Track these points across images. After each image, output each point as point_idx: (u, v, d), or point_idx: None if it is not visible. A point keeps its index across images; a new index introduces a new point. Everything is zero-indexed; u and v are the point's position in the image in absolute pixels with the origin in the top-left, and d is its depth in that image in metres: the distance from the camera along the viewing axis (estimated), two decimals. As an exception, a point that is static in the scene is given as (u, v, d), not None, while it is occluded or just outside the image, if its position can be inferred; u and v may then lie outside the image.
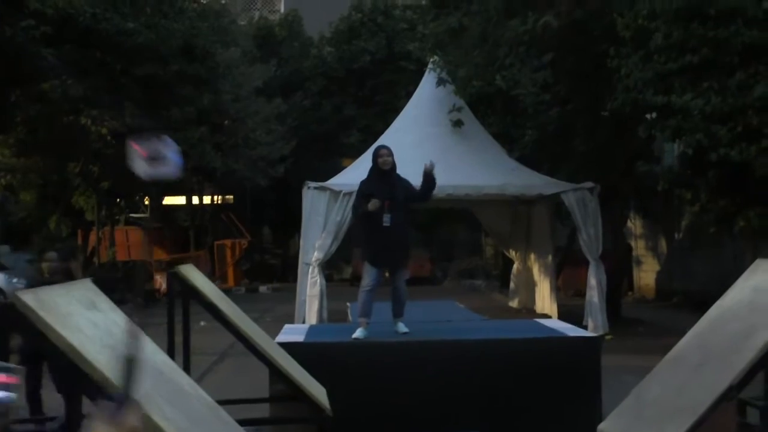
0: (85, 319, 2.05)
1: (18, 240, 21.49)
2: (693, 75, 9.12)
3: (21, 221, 22.13)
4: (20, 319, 1.76)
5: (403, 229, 6.16)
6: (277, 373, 4.25)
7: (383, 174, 6.22)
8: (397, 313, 6.24)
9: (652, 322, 13.24)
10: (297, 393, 4.15)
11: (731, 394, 3.19)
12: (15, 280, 13.16)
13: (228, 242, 23.94)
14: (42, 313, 1.82)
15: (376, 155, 6.34)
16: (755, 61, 8.85)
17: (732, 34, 8.73)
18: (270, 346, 4.51)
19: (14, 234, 21.89)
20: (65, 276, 6.12)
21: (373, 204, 6.04)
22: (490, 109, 13.46)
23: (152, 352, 2.33)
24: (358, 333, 6.00)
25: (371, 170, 6.39)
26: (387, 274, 6.51)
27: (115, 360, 2.00)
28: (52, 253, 6.26)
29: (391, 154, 6.28)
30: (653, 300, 17.52)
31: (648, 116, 10.28)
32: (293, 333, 6.28)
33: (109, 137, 17.94)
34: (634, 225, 18.64)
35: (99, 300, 2.29)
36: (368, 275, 6.21)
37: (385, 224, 6.06)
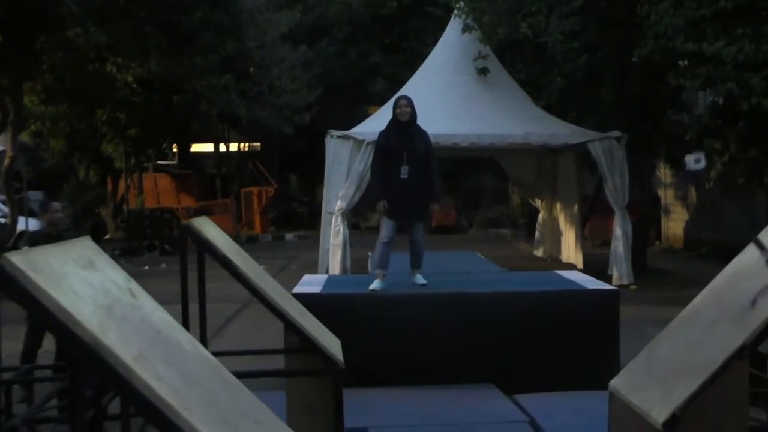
0: (79, 280, 2.04)
1: (50, 187, 21.85)
2: (726, 21, 8.81)
3: (51, 168, 22.45)
4: (10, 281, 1.76)
5: (422, 181, 6.08)
6: (290, 326, 4.26)
7: (401, 125, 6.13)
8: (415, 265, 6.23)
9: (679, 273, 13.13)
10: (310, 345, 4.16)
11: (743, 352, 3.13)
12: (41, 227, 13.41)
13: (255, 190, 24.09)
14: (32, 275, 1.81)
15: (395, 106, 6.25)
16: (794, 6, 8.51)
17: (770, -24, 8.39)
18: (284, 298, 4.52)
19: (45, 181, 22.24)
20: (74, 226, 6.16)
21: (379, 207, 6.16)
22: (517, 56, 13.20)
23: (151, 309, 2.33)
24: (375, 285, 6.01)
25: (390, 121, 6.30)
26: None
27: (109, 320, 2.00)
28: (56, 204, 6.24)
29: (410, 105, 6.16)
30: (681, 250, 17.34)
31: (679, 64, 9.99)
32: (311, 284, 6.30)
33: (134, 85, 18.02)
34: (663, 174, 18.33)
35: (97, 258, 2.29)
36: (385, 227, 6.20)
37: (402, 176, 6.01)
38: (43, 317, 1.75)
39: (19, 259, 1.81)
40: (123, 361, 1.81)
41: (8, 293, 1.75)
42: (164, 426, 1.79)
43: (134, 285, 2.35)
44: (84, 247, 2.23)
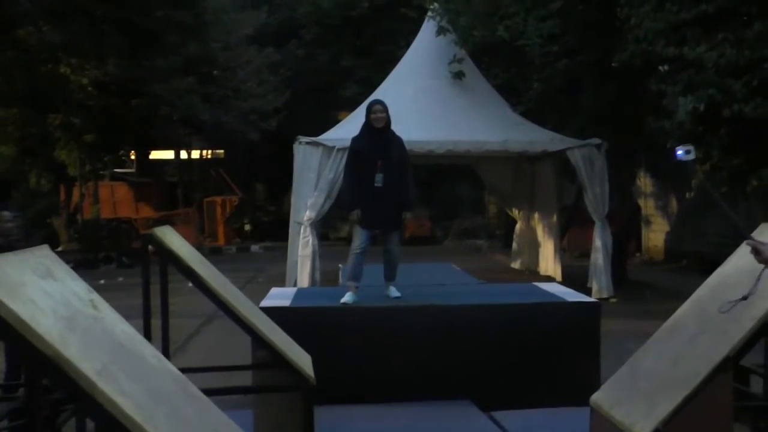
0: (38, 290, 2.03)
1: (-2, 195, 21.45)
2: (708, 25, 8.98)
3: (0, 176, 22.08)
4: (-36, 291, 1.75)
5: (396, 189, 6.08)
6: (258, 340, 4.26)
7: (376, 131, 6.15)
8: (389, 277, 6.25)
9: (660, 286, 13.30)
10: (279, 360, 4.16)
11: (727, 365, 3.20)
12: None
13: (218, 199, 23.96)
14: (-11, 285, 1.80)
15: (369, 111, 6.25)
16: (776, 11, 8.71)
17: (751, -20, 8.59)
18: (252, 311, 4.51)
19: (-6, 189, 21.84)
20: (26, 237, 6.03)
21: (352, 216, 6.22)
22: (494, 60, 13.31)
23: (114, 322, 2.32)
24: (347, 298, 6.01)
25: (363, 126, 6.32)
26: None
27: (70, 333, 1.99)
28: (7, 213, 6.08)
29: (385, 110, 6.17)
30: (662, 262, 17.58)
31: (660, 69, 10.17)
32: (279, 297, 6.28)
33: (90, 88, 17.84)
34: (644, 183, 18.60)
35: (56, 268, 2.27)
36: (359, 237, 6.19)
37: (376, 184, 6.02)
38: (1, 329, 1.74)
39: (-26, 267, 1.80)
40: (86, 375, 1.80)
41: (-37, 304, 1.75)
42: (129, 443, 1.78)
43: (95, 296, 2.33)
44: (42, 256, 2.21)
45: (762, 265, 3.24)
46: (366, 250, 6.17)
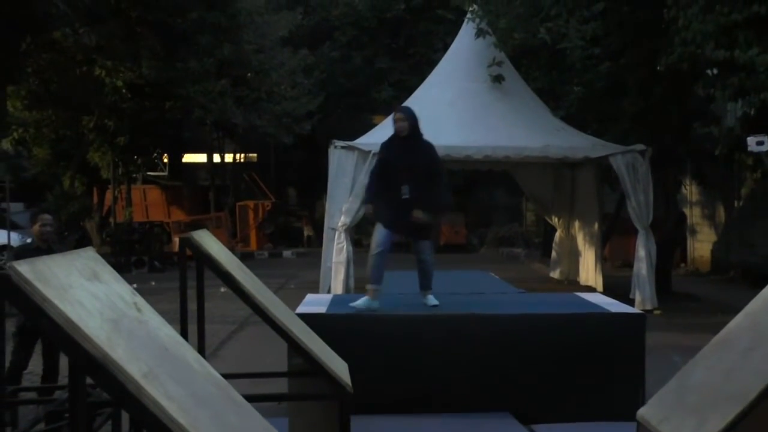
0: (85, 292, 2.08)
1: (32, 197, 21.90)
2: (760, 27, 8.86)
3: (34, 178, 22.51)
4: (15, 291, 1.80)
5: (425, 199, 5.92)
6: (295, 347, 4.28)
7: (401, 140, 6.00)
8: (424, 286, 6.21)
9: (706, 298, 13.12)
10: (316, 368, 4.18)
11: (783, 381, 3.14)
12: (29, 240, 13.48)
13: (250, 203, 24.16)
14: (39, 285, 1.85)
15: (392, 119, 6.14)
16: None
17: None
18: (288, 317, 4.55)
19: (27, 191, 22.29)
20: (60, 242, 6.17)
21: (368, 210, 6.18)
22: (534, 63, 13.25)
23: (158, 325, 2.37)
24: (365, 303, 5.84)
25: (391, 135, 6.22)
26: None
27: (116, 335, 2.04)
28: (47, 216, 6.21)
29: (406, 118, 5.97)
30: (708, 273, 17.32)
31: (708, 73, 10.05)
32: (315, 304, 6.32)
33: (124, 90, 18.13)
34: (689, 191, 18.35)
35: (102, 270, 2.33)
36: (379, 235, 5.94)
37: (404, 196, 5.87)
38: (50, 329, 1.78)
39: (25, 268, 1.85)
40: (133, 377, 1.84)
41: (14, 304, 1.79)
42: (175, 447, 1.82)
43: (139, 299, 2.38)
44: (88, 258, 2.26)
45: None
46: (386, 251, 5.96)
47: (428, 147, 6.10)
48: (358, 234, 21.46)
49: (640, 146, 11.49)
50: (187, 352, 2.41)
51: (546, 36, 11.16)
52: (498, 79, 12.35)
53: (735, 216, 16.95)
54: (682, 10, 9.51)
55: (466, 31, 13.11)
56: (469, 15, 12.98)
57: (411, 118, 6.00)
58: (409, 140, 5.99)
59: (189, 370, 2.27)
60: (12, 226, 15.39)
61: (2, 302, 1.80)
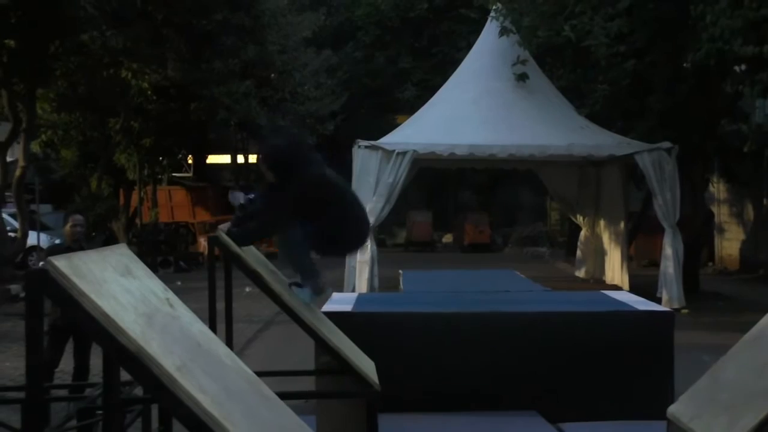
0: (119, 286, 2.11)
1: (60, 199, 22.16)
2: (789, 23, 8.75)
3: (62, 180, 22.77)
4: (53, 285, 1.82)
5: None
6: (322, 345, 4.30)
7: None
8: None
9: (734, 297, 12.99)
10: (343, 366, 4.19)
11: (818, 378, 3.10)
12: (57, 240, 13.66)
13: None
14: (76, 280, 1.88)
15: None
16: None
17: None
18: (315, 316, 4.56)
19: (56, 193, 22.56)
20: (88, 241, 6.23)
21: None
22: (558, 61, 13.19)
23: (190, 321, 2.39)
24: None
25: None
26: None
27: (150, 329, 2.06)
28: (79, 217, 6.31)
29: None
30: (736, 272, 17.13)
31: (736, 69, 9.93)
32: (341, 302, 6.33)
33: (150, 92, 18.28)
34: (717, 189, 18.15)
35: (134, 266, 2.36)
36: None
37: None
38: (86, 323, 1.81)
39: (62, 263, 1.88)
40: (167, 370, 1.86)
41: (51, 298, 1.82)
42: (209, 439, 1.83)
43: (171, 295, 2.41)
44: (121, 254, 2.29)
45: None
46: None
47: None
48: (382, 234, 21.52)
49: (667, 144, 11.41)
50: (219, 347, 2.44)
51: (570, 33, 11.10)
52: (522, 77, 12.32)
53: (764, 214, 16.75)
54: (709, 5, 9.41)
55: (490, 29, 13.11)
56: (492, 13, 12.96)
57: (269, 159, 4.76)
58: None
59: (221, 365, 2.29)
60: (41, 228, 15.58)
61: (41, 296, 1.84)
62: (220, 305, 4.52)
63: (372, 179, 11.27)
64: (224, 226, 4.57)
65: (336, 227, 4.72)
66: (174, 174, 25.29)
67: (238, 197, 4.87)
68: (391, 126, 14.61)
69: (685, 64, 11.06)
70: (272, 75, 20.26)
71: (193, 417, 1.86)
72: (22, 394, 4.67)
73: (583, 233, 15.09)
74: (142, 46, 15.31)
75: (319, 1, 25.00)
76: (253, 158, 27.10)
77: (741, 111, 12.30)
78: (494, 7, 12.82)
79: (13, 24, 12.87)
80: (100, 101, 17.84)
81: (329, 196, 4.76)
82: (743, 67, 9.67)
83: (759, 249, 16.71)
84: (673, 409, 3.67)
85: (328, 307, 5.97)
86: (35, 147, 19.27)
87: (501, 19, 12.42)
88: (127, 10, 14.17)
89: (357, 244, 5.17)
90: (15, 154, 16.92)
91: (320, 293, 4.82)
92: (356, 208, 4.93)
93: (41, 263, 2.02)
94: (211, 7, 15.88)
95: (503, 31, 12.36)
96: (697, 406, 3.55)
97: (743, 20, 9.00)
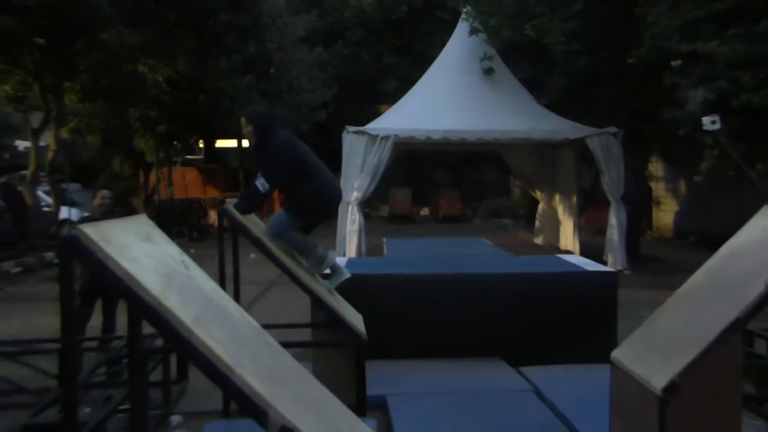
0: (141, 250, 2.11)
1: (87, 178, 21.97)
2: (720, 23, 8.73)
3: (88, 162, 22.57)
4: (82, 249, 1.82)
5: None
6: (317, 302, 4.33)
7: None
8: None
9: (669, 260, 13.11)
10: (336, 320, 4.23)
11: (738, 326, 3.16)
12: (86, 214, 13.56)
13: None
14: (102, 244, 1.88)
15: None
16: (782, 9, 8.43)
17: (760, -19, 8.32)
18: (311, 277, 4.58)
19: (83, 173, 22.36)
20: (112, 215, 6.17)
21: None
22: (521, 57, 13.14)
23: (203, 280, 2.39)
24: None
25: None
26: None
27: (169, 287, 2.07)
28: (106, 191, 6.25)
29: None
30: (671, 239, 17.28)
31: (673, 64, 9.93)
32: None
33: (164, 84, 18.07)
34: (655, 168, 18.25)
35: (154, 233, 2.35)
36: None
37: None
38: (112, 282, 1.82)
39: (90, 230, 1.88)
40: (184, 322, 1.87)
41: (82, 260, 1.82)
42: (221, 380, 1.85)
43: (186, 258, 2.41)
44: (142, 223, 2.29)
45: None
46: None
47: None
48: (368, 208, 21.49)
49: (613, 129, 11.45)
50: (228, 302, 2.45)
51: (531, 33, 11.05)
52: (489, 71, 12.29)
53: (694, 189, 16.89)
54: (651, 7, 9.39)
55: (461, 29, 13.03)
56: (463, 15, 12.88)
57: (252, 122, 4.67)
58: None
59: (230, 318, 2.30)
60: (71, 203, 15.47)
61: (72, 260, 1.83)
62: (229, 269, 4.53)
63: (359, 160, 11.24)
64: (232, 201, 4.58)
65: (312, 192, 4.62)
66: (187, 156, 25.09)
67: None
68: (376, 114, 14.51)
69: (630, 60, 11.04)
70: (271, 70, 20.03)
71: (207, 362, 1.88)
72: (58, 346, 4.69)
73: (540, 206, 15.16)
74: (155, 44, 15.10)
75: (312, 3, 24.69)
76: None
77: (677, 100, 12.34)
78: (465, 10, 12.74)
79: (42, 25, 12.66)
80: (120, 93, 17.60)
81: (301, 154, 4.68)
82: (679, 62, 9.67)
83: (690, 219, 16.87)
84: (616, 354, 3.74)
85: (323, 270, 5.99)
86: (64, 133, 19.01)
87: (471, 20, 12.34)
88: (141, 12, 13.96)
89: (332, 206, 4.93)
90: (47, 139, 16.73)
91: (323, 262, 4.72)
92: (324, 171, 4.78)
93: (72, 232, 2.02)
94: (216, 9, 15.66)
95: (473, 31, 12.29)
96: (636, 351, 3.62)
97: (680, 20, 8.99)
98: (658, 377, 3.21)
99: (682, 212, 17.49)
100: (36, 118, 16.19)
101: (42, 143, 15.91)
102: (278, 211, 4.77)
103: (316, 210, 4.76)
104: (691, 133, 10.75)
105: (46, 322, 7.79)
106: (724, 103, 8.48)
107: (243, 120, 4.70)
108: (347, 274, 4.82)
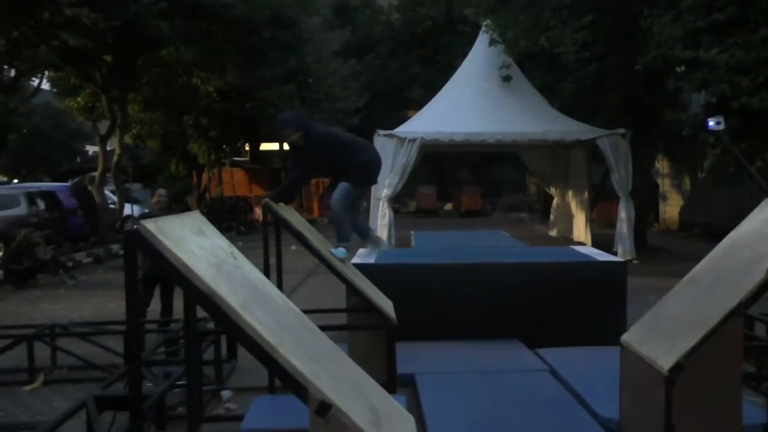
0: (194, 243, 2.12)
1: (147, 179, 22.36)
2: (720, 32, 8.53)
3: (148, 164, 22.96)
4: (144, 242, 1.85)
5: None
6: (352, 289, 4.33)
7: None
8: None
9: (674, 250, 12.86)
10: (368, 305, 4.23)
11: (739, 310, 3.08)
12: (146, 210, 13.80)
13: (313, 180, 24.22)
14: (161, 238, 1.90)
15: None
16: (779, 18, 8.20)
17: (758, -8, 8.09)
18: (346, 266, 4.59)
19: (144, 174, 22.77)
20: (169, 211, 6.25)
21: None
22: (535, 65, 13.00)
23: (249, 270, 2.41)
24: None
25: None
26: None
27: (219, 275, 2.08)
28: (162, 190, 6.35)
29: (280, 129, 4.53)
30: (676, 231, 16.96)
31: (677, 69, 9.73)
32: (366, 256, 6.36)
33: (215, 94, 18.29)
34: (662, 165, 17.92)
35: (206, 227, 2.37)
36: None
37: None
38: (170, 271, 1.84)
39: (151, 225, 1.90)
40: (233, 307, 1.88)
41: (143, 252, 1.85)
42: (266, 359, 1.86)
43: (235, 250, 2.43)
44: (196, 218, 2.31)
45: None
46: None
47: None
48: (397, 203, 21.49)
49: (621, 130, 11.27)
50: (272, 290, 2.46)
51: (545, 43, 10.91)
52: (507, 79, 12.18)
53: (698, 185, 16.55)
54: (655, 18, 9.20)
55: (481, 41, 12.92)
56: (483, 28, 12.77)
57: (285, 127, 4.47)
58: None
59: (274, 304, 2.31)
60: (134, 201, 15.76)
61: (135, 251, 1.86)
62: (272, 260, 4.56)
63: (389, 161, 11.23)
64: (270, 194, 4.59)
65: (363, 159, 4.72)
66: (235, 158, 25.34)
67: None
68: (404, 118, 14.48)
69: (636, 66, 10.84)
70: (309, 80, 20.14)
71: (253, 343, 1.89)
72: (123, 327, 4.78)
73: (555, 201, 14.99)
74: (207, 59, 15.28)
75: (346, 20, 24.74)
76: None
77: (681, 103, 12.09)
78: (484, 23, 12.63)
79: (110, 44, 12.89)
80: (177, 102, 17.88)
81: (342, 135, 4.88)
82: (682, 68, 9.47)
83: (694, 212, 16.53)
84: (625, 337, 3.67)
85: (356, 259, 6.00)
86: (128, 139, 19.38)
87: (490, 32, 12.23)
88: (195, 31, 14.12)
89: (379, 167, 5.00)
90: (113, 144, 17.04)
91: (375, 239, 5.14)
92: (367, 143, 4.95)
93: (135, 227, 2.05)
94: (261, 27, 15.78)
95: (492, 42, 12.18)
96: (644, 334, 3.55)
97: (683, 30, 8.79)
98: (664, 358, 3.15)
99: (687, 206, 17.15)
100: (103, 126, 16.51)
101: (109, 148, 16.21)
102: (339, 186, 4.80)
103: (368, 170, 4.85)
104: (694, 133, 10.53)
105: (113, 306, 7.96)
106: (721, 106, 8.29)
107: (286, 132, 4.40)
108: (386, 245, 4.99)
